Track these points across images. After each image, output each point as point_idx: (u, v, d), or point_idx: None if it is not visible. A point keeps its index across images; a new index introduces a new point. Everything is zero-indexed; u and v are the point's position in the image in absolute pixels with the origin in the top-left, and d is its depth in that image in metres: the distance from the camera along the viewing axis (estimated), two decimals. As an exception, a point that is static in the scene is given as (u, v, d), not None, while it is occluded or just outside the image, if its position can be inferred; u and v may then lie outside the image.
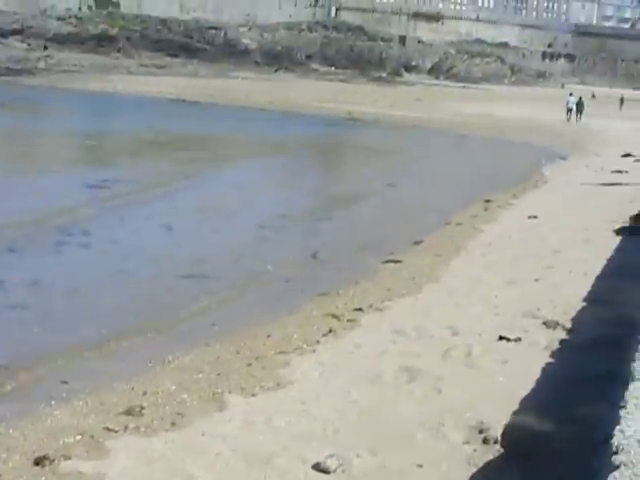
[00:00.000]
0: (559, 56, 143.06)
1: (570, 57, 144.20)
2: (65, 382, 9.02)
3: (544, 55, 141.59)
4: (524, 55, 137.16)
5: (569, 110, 57.17)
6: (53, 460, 6.98)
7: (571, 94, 60.66)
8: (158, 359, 9.58)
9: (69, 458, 7.03)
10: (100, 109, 54.80)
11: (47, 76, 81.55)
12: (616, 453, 3.59)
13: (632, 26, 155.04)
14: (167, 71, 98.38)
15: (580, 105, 57.07)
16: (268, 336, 10.25)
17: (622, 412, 4.02)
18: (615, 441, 3.70)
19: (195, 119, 48.28)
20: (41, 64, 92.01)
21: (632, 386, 4.39)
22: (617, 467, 3.66)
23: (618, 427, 3.84)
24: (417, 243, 16.03)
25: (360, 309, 11.32)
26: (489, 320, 10.74)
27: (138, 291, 12.62)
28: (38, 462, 6.96)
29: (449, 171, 29.20)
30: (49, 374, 9.37)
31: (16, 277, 12.96)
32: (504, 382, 8.58)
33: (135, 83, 76.90)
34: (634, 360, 4.69)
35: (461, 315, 10.98)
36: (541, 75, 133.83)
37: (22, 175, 23.69)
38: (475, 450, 7.14)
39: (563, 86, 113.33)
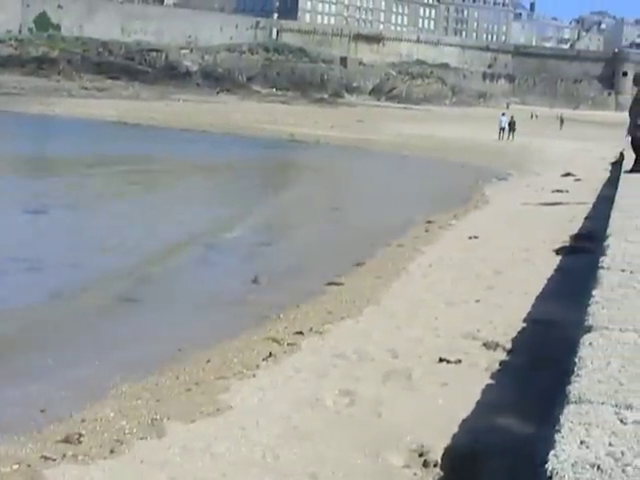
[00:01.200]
0: (499, 76, 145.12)
1: (510, 77, 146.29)
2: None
3: (484, 75, 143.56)
4: (465, 76, 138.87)
5: (502, 129, 59.68)
6: (-11, 492, 6.88)
7: (503, 114, 63.83)
8: (96, 386, 9.45)
9: (7, 489, 6.93)
10: (40, 132, 54.45)
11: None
12: (550, 478, 3.58)
13: (571, 46, 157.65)
14: (108, 94, 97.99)
15: (512, 124, 59.61)
16: (208, 361, 10.17)
17: (557, 436, 4.03)
18: (550, 466, 3.70)
19: (135, 141, 48.04)
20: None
21: (566, 409, 4.39)
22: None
23: (552, 452, 3.84)
24: (358, 265, 16.04)
25: (301, 332, 11.28)
26: (429, 342, 10.77)
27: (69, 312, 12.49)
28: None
29: (390, 192, 29.32)
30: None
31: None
32: (444, 405, 8.59)
33: (76, 106, 76.51)
34: (569, 383, 4.70)
35: (401, 337, 10.99)
36: (482, 95, 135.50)
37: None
38: (415, 474, 7.14)
39: (508, 106, 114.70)
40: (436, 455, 7.38)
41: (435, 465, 7.24)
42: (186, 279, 15.24)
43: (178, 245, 18.15)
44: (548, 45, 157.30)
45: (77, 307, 12.92)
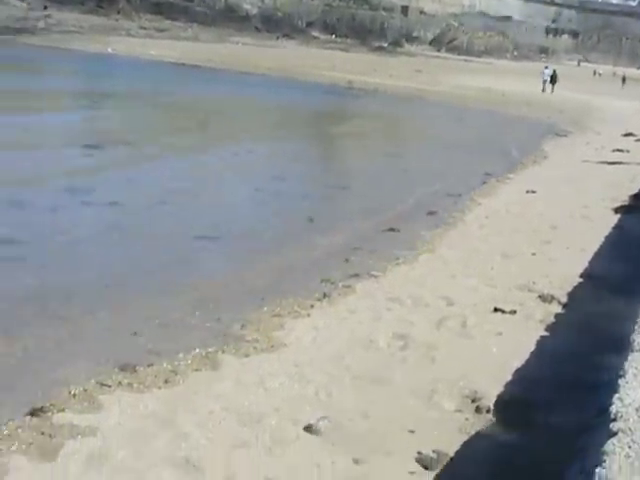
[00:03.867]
0: (563, 32, 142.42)
1: (574, 33, 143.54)
2: (63, 335, 8.99)
3: (547, 30, 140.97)
4: (527, 30, 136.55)
5: (544, 81, 60.72)
6: (47, 412, 7.00)
7: (547, 67, 64.99)
8: (153, 318, 9.54)
9: (63, 411, 7.04)
10: (99, 70, 54.42)
11: (46, 36, 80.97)
12: (615, 420, 3.57)
13: (639, 4, 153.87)
14: (167, 34, 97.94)
15: (554, 77, 60.85)
16: (262, 299, 10.21)
17: (621, 381, 4.01)
18: (614, 409, 3.69)
19: (194, 81, 48.03)
20: (41, 24, 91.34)
21: (631, 357, 4.37)
22: (615, 434, 3.66)
23: (617, 395, 3.82)
24: (414, 213, 15.98)
25: (356, 275, 11.30)
26: (484, 292, 10.74)
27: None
28: (33, 413, 6.97)
29: (448, 143, 29.08)
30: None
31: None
32: (498, 353, 8.59)
33: (134, 45, 76.55)
34: (633, 332, 4.68)
35: (456, 286, 10.97)
36: (544, 51, 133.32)
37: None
38: (467, 419, 7.16)
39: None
40: (489, 402, 7.38)
41: (488, 411, 7.24)
42: (246, 218, 15.25)
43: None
44: (614, 1, 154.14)
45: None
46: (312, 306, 9.97)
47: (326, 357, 8.35)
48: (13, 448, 6.49)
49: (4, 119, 25.52)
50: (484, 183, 20.01)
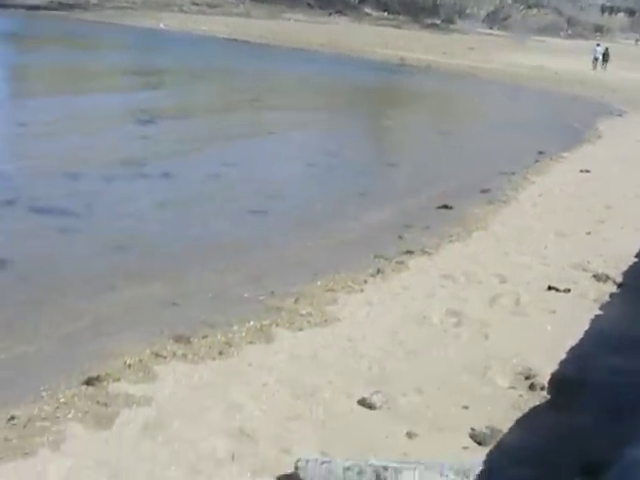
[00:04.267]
0: (618, 10, 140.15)
1: (630, 11, 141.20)
2: (118, 307, 9.09)
3: (603, 8, 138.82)
4: (582, 8, 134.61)
5: (595, 59, 60.29)
6: (103, 381, 7.08)
7: (598, 45, 64.37)
8: (207, 291, 9.60)
9: (118, 380, 7.12)
10: (152, 45, 54.56)
11: (99, 12, 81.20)
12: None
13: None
14: (219, 11, 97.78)
15: (606, 55, 60.53)
16: (316, 273, 10.23)
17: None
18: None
19: (248, 59, 48.00)
20: (94, 0, 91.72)
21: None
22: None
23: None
24: (467, 190, 15.89)
25: (409, 252, 11.28)
26: (538, 270, 10.68)
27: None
28: (89, 382, 7.07)
29: (501, 121, 28.83)
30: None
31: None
32: (552, 331, 8.55)
33: (186, 21, 76.59)
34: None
35: (510, 263, 10.92)
36: (599, 29, 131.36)
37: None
38: (521, 395, 7.14)
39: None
40: (543, 379, 7.35)
41: (542, 389, 7.22)
42: (297, 192, 15.27)
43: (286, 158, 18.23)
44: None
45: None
46: (365, 281, 9.98)
47: (379, 332, 8.37)
48: (69, 416, 6.58)
49: (60, 95, 25.75)
50: (537, 161, 19.84)
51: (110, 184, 14.55)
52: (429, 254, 11.22)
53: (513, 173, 17.80)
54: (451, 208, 14.14)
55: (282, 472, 5.67)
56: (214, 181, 15.43)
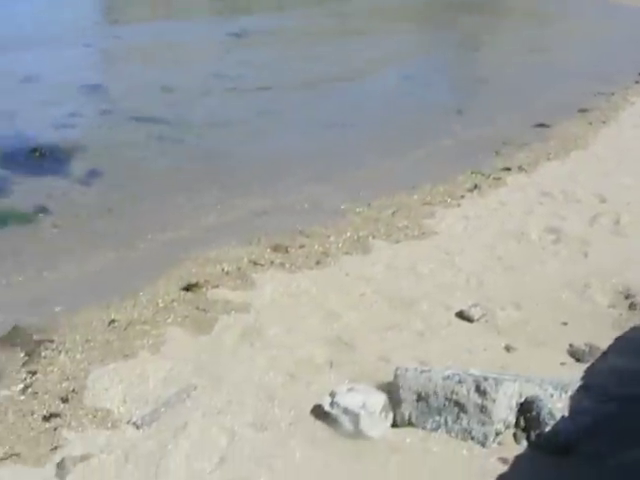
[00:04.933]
0: None
1: None
2: (216, 216, 9.16)
3: None
4: None
5: None
6: (202, 287, 7.17)
7: None
8: (304, 202, 9.61)
9: (217, 287, 7.20)
10: None
11: None
12: None
13: None
14: None
15: None
16: (413, 187, 10.16)
17: None
18: None
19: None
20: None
21: None
22: None
23: None
24: (565, 109, 15.54)
25: (507, 169, 11.13)
26: (639, 191, 10.44)
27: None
28: (188, 288, 7.15)
29: (600, 41, 28.04)
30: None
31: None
32: (653, 252, 8.37)
33: None
34: None
35: (609, 183, 10.69)
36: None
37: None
38: (621, 314, 7.02)
39: None
40: (644, 299, 7.23)
41: (642, 308, 7.10)
42: (405, 108, 15.11)
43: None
44: None
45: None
46: (462, 196, 9.89)
47: (477, 246, 8.30)
48: (169, 320, 6.69)
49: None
50: (637, 83, 19.28)
51: (204, 98, 14.56)
52: (526, 171, 11.06)
53: (612, 94, 17.32)
54: (548, 126, 13.87)
55: (381, 380, 5.67)
56: (309, 93, 15.33)
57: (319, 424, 5.37)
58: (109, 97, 14.15)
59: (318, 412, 5.44)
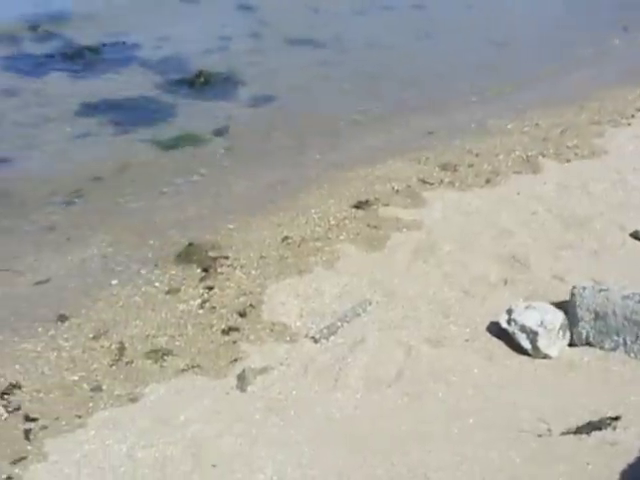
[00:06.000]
0: None
1: None
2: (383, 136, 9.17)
3: None
4: None
5: None
6: (372, 205, 7.23)
7: None
8: (473, 122, 9.53)
9: (387, 205, 7.25)
10: None
11: None
12: None
13: None
14: None
15: None
16: (581, 107, 9.92)
17: None
18: None
19: None
20: None
21: None
22: None
23: None
24: None
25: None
26: None
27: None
28: (359, 206, 7.22)
29: None
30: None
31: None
32: None
33: None
34: None
35: None
36: None
37: None
38: None
39: None
40: None
41: None
42: (569, 26, 14.61)
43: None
44: None
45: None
46: (632, 116, 9.59)
47: (650, 164, 8.09)
48: (341, 237, 6.78)
49: None
50: None
51: (358, 18, 14.43)
52: None
53: None
54: None
55: (556, 298, 5.65)
56: (464, 11, 14.99)
57: (495, 341, 5.41)
58: (264, 19, 14.12)
59: (494, 329, 5.47)
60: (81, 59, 11.41)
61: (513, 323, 5.33)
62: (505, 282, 6.04)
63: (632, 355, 5.18)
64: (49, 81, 10.59)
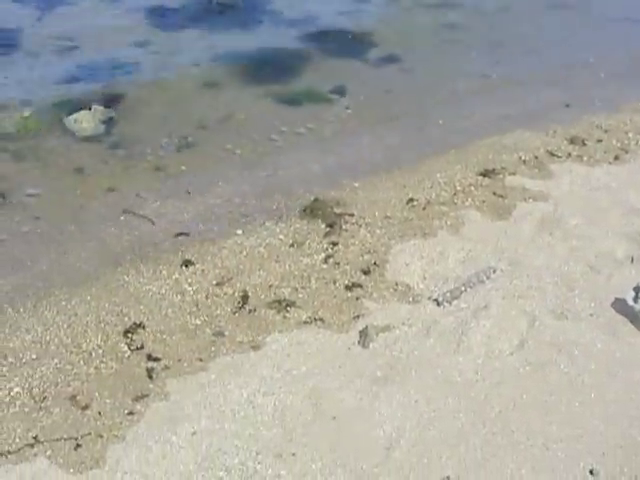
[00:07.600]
0: None
1: None
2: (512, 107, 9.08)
3: None
4: None
5: None
6: (499, 174, 7.18)
7: None
8: (600, 100, 9.32)
9: (514, 174, 7.19)
10: None
11: None
12: None
13: None
14: None
15: None
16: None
17: None
18: None
19: None
20: None
21: None
22: None
23: None
24: None
25: None
26: None
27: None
28: (485, 174, 7.18)
29: None
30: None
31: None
32: None
33: None
34: None
35: None
36: None
37: None
38: None
39: None
40: None
41: None
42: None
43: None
44: None
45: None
46: None
47: None
48: (466, 203, 6.75)
49: None
50: None
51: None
52: None
53: None
54: None
55: (685, 281, 5.55)
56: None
57: (620, 318, 5.35)
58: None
59: (619, 306, 5.40)
60: (219, 14, 11.55)
61: (640, 301, 5.26)
62: (632, 260, 5.95)
63: None
64: (182, 34, 10.74)
